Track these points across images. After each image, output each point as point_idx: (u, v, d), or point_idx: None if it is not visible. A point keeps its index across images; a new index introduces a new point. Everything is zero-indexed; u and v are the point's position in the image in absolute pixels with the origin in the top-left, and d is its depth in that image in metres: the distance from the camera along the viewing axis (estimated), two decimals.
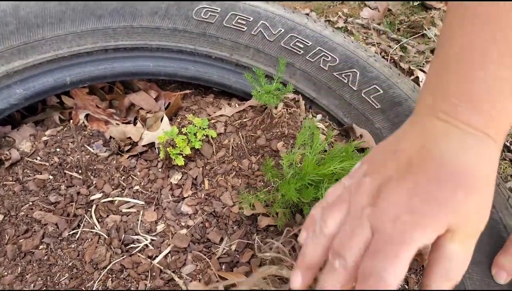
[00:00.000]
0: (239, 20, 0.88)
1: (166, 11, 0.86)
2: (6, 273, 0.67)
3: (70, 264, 0.69)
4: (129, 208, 0.78)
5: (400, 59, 1.59)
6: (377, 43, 1.62)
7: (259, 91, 0.81)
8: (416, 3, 1.78)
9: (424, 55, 1.64)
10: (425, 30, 1.71)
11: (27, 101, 0.82)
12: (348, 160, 0.68)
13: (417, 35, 1.71)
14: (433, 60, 0.43)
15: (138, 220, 0.75)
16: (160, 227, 0.75)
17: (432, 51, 1.67)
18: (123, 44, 0.86)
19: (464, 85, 0.38)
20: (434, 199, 0.36)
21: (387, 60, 1.58)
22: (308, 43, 0.90)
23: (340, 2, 1.77)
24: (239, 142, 0.86)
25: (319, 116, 0.91)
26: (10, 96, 0.80)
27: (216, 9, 0.87)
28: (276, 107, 0.85)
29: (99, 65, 0.87)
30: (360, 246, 0.38)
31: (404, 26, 1.74)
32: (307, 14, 1.58)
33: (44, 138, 0.87)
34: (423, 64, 1.61)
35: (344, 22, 1.68)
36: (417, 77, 1.54)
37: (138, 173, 0.83)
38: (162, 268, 0.69)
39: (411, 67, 1.56)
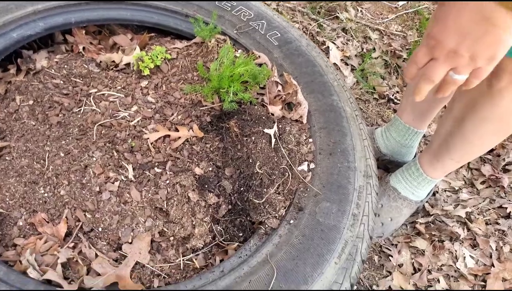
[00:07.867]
0: None
1: None
2: (41, 128, 1.11)
3: (78, 124, 1.14)
4: (114, 98, 1.23)
5: (317, 34, 2.12)
6: (300, 22, 2.14)
7: (199, 30, 1.29)
8: None
9: (336, 32, 2.17)
10: (338, 13, 2.24)
11: (45, 31, 1.26)
12: (248, 65, 1.18)
13: (332, 17, 2.24)
14: None
15: (120, 104, 1.21)
16: (134, 108, 1.21)
17: (343, 29, 2.21)
18: None
19: None
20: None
21: (307, 34, 2.10)
22: (234, 3, 1.39)
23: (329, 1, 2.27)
24: (186, 64, 1.33)
25: (239, 51, 1.39)
26: (36, 27, 1.23)
27: None
28: (210, 41, 1.33)
29: (93, 12, 1.32)
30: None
31: (323, 10, 2.27)
32: None
33: (55, 59, 1.31)
34: (335, 38, 2.14)
35: (276, 5, 2.19)
36: (328, 47, 2.07)
37: (120, 80, 1.28)
38: (135, 125, 1.15)
39: (324, 40, 2.08)
